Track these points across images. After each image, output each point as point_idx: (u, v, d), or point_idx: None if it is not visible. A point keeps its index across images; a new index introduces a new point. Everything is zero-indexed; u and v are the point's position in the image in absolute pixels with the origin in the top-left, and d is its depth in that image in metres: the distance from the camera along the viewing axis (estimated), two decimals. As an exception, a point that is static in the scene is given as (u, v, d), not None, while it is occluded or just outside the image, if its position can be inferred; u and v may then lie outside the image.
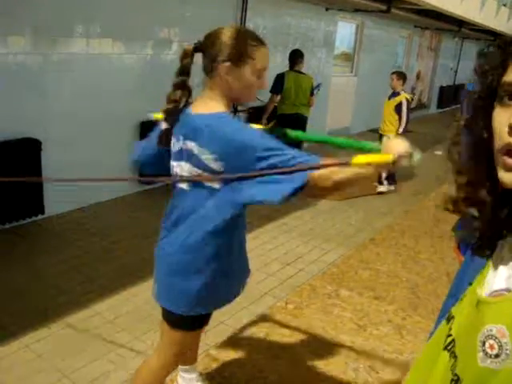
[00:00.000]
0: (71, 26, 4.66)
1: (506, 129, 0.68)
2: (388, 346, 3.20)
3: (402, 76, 6.57)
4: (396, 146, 1.51)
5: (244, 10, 6.72)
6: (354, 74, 10.71)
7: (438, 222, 5.68)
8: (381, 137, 6.63)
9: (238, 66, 1.73)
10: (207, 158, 1.70)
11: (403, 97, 6.44)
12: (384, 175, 6.65)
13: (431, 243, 5.08)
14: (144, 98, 5.44)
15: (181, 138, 1.79)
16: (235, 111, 1.86)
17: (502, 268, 0.75)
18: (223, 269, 1.91)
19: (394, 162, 1.47)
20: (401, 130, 6.46)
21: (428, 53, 14.62)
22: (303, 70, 6.12)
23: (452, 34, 14.82)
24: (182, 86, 1.81)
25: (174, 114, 1.80)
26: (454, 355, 0.76)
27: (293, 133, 2.00)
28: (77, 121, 4.83)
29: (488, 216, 0.78)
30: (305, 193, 1.60)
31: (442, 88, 16.18)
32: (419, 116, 14.40)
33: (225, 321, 3.28)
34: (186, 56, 1.79)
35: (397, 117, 6.45)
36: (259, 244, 4.59)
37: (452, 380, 0.75)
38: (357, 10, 9.08)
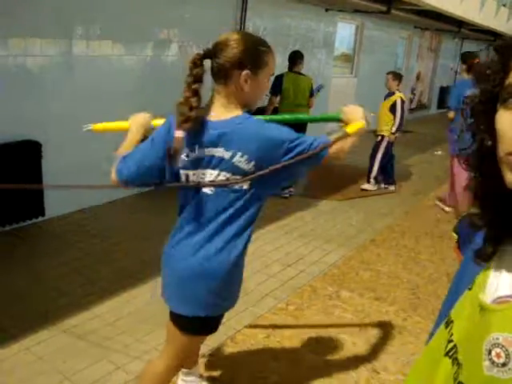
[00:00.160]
0: (71, 28, 4.66)
1: None
2: (389, 347, 3.19)
3: (397, 76, 6.59)
4: (356, 112, 1.96)
5: (244, 11, 6.72)
6: (353, 75, 10.72)
7: (438, 222, 5.69)
8: (377, 136, 6.66)
9: (256, 74, 1.77)
10: (239, 160, 1.75)
11: (398, 96, 6.46)
12: (373, 174, 6.67)
13: (431, 244, 5.08)
14: (144, 99, 5.45)
15: (197, 146, 1.77)
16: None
17: (505, 273, 0.74)
18: (243, 267, 2.00)
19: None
20: (394, 129, 6.46)
21: (428, 53, 14.62)
22: (303, 71, 6.12)
23: (452, 35, 14.82)
24: (198, 93, 1.78)
25: (193, 120, 1.75)
26: (456, 362, 0.75)
27: (262, 117, 2.10)
28: (77, 123, 4.80)
29: (490, 220, 0.78)
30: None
31: (442, 88, 16.18)
32: (419, 116, 14.41)
33: (225, 322, 3.26)
34: (197, 65, 1.77)
35: (392, 116, 6.46)
36: (260, 245, 4.59)
37: None
38: (357, 11, 9.08)
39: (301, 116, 2.23)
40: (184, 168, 1.82)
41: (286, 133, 1.80)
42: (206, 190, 1.83)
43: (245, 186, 1.80)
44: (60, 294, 3.47)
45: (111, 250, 4.22)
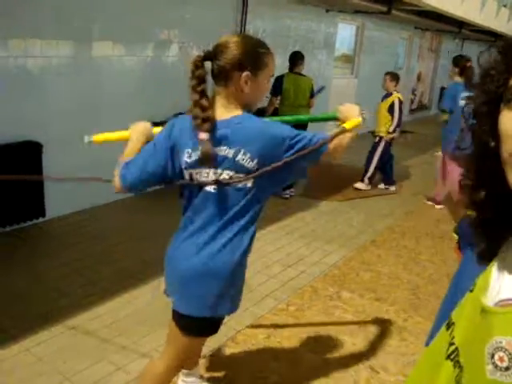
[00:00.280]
0: (71, 29, 4.66)
1: None
2: (389, 347, 3.19)
3: (395, 77, 6.59)
4: (353, 109, 2.03)
5: (244, 12, 6.72)
6: (354, 75, 10.72)
7: (439, 222, 5.68)
8: (375, 137, 6.67)
9: (256, 75, 1.80)
10: (242, 158, 1.77)
11: (395, 97, 6.48)
12: (368, 174, 6.67)
13: (432, 244, 5.07)
14: (145, 99, 5.46)
15: (200, 146, 1.77)
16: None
17: (507, 276, 0.73)
18: (245, 268, 2.02)
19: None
20: (391, 129, 6.46)
21: (429, 54, 14.61)
22: (303, 72, 6.12)
23: (452, 35, 14.81)
24: (206, 94, 1.81)
25: (209, 120, 1.76)
26: (458, 365, 0.74)
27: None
28: (77, 123, 4.82)
29: (491, 221, 0.77)
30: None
31: (442, 89, 16.15)
32: (420, 117, 14.41)
33: (226, 322, 3.26)
34: (198, 67, 1.79)
35: (390, 117, 6.47)
36: (261, 246, 4.58)
37: None
38: (357, 12, 9.08)
39: (301, 117, 2.27)
40: (187, 167, 1.83)
41: (287, 130, 1.83)
42: (210, 189, 1.84)
43: (248, 184, 1.81)
44: (60, 295, 3.47)
45: (112, 251, 4.22)
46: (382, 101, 6.65)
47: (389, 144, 6.64)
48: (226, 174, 1.80)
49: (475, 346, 0.71)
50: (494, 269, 0.77)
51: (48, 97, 4.57)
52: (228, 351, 3.02)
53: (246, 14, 6.74)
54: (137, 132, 2.08)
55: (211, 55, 1.80)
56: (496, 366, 0.66)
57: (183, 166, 1.83)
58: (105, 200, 5.25)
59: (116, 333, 3.10)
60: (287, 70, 6.05)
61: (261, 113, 6.06)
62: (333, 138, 1.86)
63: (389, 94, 6.56)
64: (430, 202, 6.35)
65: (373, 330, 3.39)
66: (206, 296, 1.90)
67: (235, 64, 1.76)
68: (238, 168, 1.78)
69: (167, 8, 5.57)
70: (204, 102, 1.78)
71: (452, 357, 0.76)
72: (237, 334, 3.19)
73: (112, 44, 5.07)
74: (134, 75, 5.39)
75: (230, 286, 1.93)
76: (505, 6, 12.85)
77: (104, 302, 3.42)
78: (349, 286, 4.01)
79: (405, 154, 8.95)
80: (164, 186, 1.97)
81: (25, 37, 4.29)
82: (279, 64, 7.13)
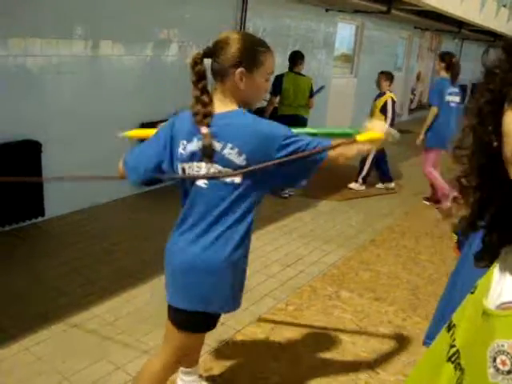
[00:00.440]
0: (71, 28, 4.66)
1: None
2: (388, 347, 3.20)
3: (389, 77, 6.57)
4: (379, 127, 1.93)
5: (244, 11, 6.72)
6: (353, 75, 10.71)
7: (438, 222, 5.69)
8: None
9: (251, 72, 1.80)
10: (229, 152, 1.77)
11: (388, 96, 6.45)
12: (362, 175, 6.66)
13: (431, 244, 5.08)
14: (144, 99, 5.46)
15: (195, 139, 1.81)
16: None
17: (509, 278, 0.73)
18: (244, 268, 2.01)
19: (384, 138, 1.90)
20: None
21: (428, 54, 14.61)
22: (303, 72, 6.12)
23: (452, 35, 14.81)
24: (206, 90, 1.84)
25: (209, 116, 1.81)
26: (459, 367, 0.74)
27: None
28: (77, 122, 4.83)
29: (492, 222, 0.77)
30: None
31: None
32: (419, 117, 14.38)
33: (225, 322, 3.27)
34: (197, 63, 1.82)
35: (383, 117, 6.44)
36: (260, 245, 4.58)
37: None
38: (357, 11, 9.08)
39: (320, 130, 2.18)
40: (181, 161, 1.85)
41: (281, 129, 1.82)
42: (201, 184, 1.86)
43: (236, 180, 1.81)
44: (60, 294, 3.47)
45: (111, 250, 4.22)
46: (375, 100, 6.65)
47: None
48: (214, 169, 1.81)
49: (477, 348, 0.70)
50: (495, 271, 0.76)
51: (47, 96, 4.56)
52: (227, 351, 3.02)
53: (245, 13, 6.73)
54: None
55: (211, 52, 1.83)
56: (498, 370, 0.65)
57: (178, 159, 1.85)
58: (104, 199, 5.25)
59: (115, 332, 3.10)
60: (287, 70, 6.05)
61: (260, 112, 6.08)
62: (335, 146, 1.81)
63: (382, 94, 6.54)
64: (428, 203, 6.36)
65: (372, 330, 3.39)
66: (197, 290, 1.91)
67: (231, 60, 1.79)
68: (225, 162, 1.79)
69: (167, 7, 5.57)
70: (205, 98, 1.81)
71: (453, 359, 0.76)
72: (236, 334, 3.19)
73: (112, 43, 5.07)
74: (133, 74, 5.39)
75: (222, 282, 1.92)
76: (504, 5, 12.85)
77: (103, 302, 3.42)
78: (348, 285, 4.01)
79: (404, 154, 8.95)
80: (158, 180, 2.00)
81: (25, 36, 4.29)
82: (279, 63, 7.15)
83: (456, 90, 5.96)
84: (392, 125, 6.48)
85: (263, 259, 4.33)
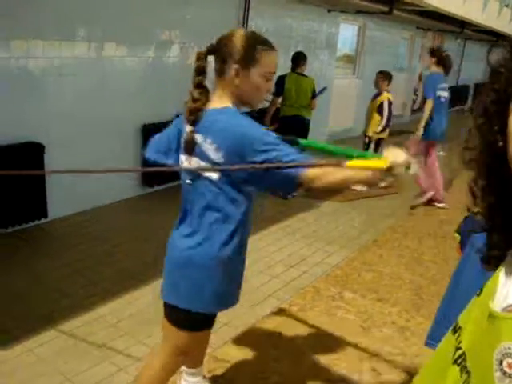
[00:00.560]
0: (73, 30, 4.66)
1: None
2: (392, 348, 3.19)
3: (387, 76, 6.54)
4: (395, 156, 1.55)
5: (246, 11, 6.72)
6: (356, 76, 10.71)
7: (441, 223, 5.67)
8: (365, 137, 6.66)
9: (246, 69, 1.79)
10: (208, 147, 1.78)
11: (385, 97, 6.43)
12: None
13: (434, 244, 5.06)
14: (146, 100, 5.46)
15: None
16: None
17: None
18: (237, 267, 1.99)
19: (389, 169, 1.52)
20: (379, 129, 6.43)
21: (430, 54, 14.58)
22: (305, 73, 6.11)
23: (454, 35, 14.79)
24: (201, 86, 1.86)
25: (195, 112, 1.83)
26: (465, 370, 0.73)
27: (304, 141, 2.05)
28: (79, 124, 4.83)
29: (498, 223, 0.76)
30: (301, 190, 1.73)
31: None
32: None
33: (228, 323, 3.27)
34: (199, 58, 1.85)
35: (379, 117, 6.43)
36: (263, 246, 4.58)
37: None
38: (359, 12, 9.07)
39: (344, 151, 1.93)
40: (181, 153, 1.91)
41: (259, 133, 1.75)
42: (188, 180, 1.89)
43: (214, 177, 1.80)
44: (62, 296, 3.47)
45: (113, 252, 4.22)
46: (372, 100, 6.64)
47: (378, 144, 6.58)
48: (195, 162, 1.84)
49: (483, 351, 0.69)
50: (501, 274, 0.75)
51: (50, 98, 4.57)
52: (230, 351, 3.01)
53: (247, 14, 6.73)
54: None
55: (214, 49, 1.85)
56: (504, 373, 0.64)
57: (180, 150, 1.92)
58: (106, 201, 5.25)
59: (117, 334, 3.10)
60: (289, 70, 6.05)
61: (262, 113, 6.08)
62: (315, 165, 1.66)
63: (379, 94, 6.52)
64: (432, 204, 6.36)
65: (375, 331, 3.38)
66: (182, 285, 1.92)
67: (227, 57, 1.80)
68: (203, 157, 1.80)
69: (168, 8, 5.57)
70: (195, 93, 1.83)
71: (459, 361, 0.75)
72: (239, 335, 3.18)
73: (114, 45, 5.08)
74: (135, 76, 5.39)
75: (207, 280, 1.90)
76: (507, 5, 12.83)
77: (105, 303, 3.42)
78: (351, 286, 4.00)
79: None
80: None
81: (27, 38, 4.29)
82: (281, 64, 7.13)
83: (446, 85, 5.99)
84: (387, 126, 6.46)
85: (267, 260, 4.33)
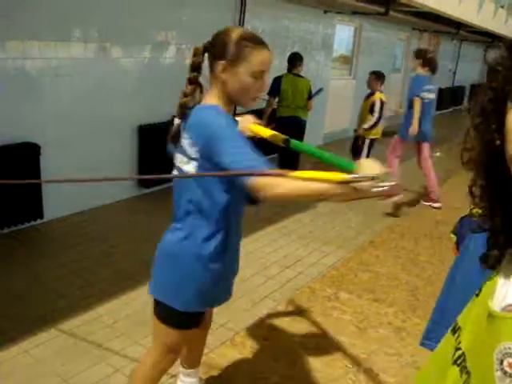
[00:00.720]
0: (69, 31, 4.66)
1: None
2: (388, 349, 3.19)
3: (380, 77, 6.54)
4: (367, 168, 1.46)
5: (242, 12, 6.73)
6: (352, 76, 10.72)
7: (438, 223, 5.69)
8: (359, 138, 6.68)
9: (233, 66, 1.77)
10: (186, 142, 1.79)
11: (377, 97, 6.43)
12: None
13: (431, 245, 5.08)
14: (142, 101, 5.46)
15: None
16: (234, 114, 1.85)
17: None
18: (223, 267, 1.95)
19: (348, 182, 1.44)
20: (366, 126, 6.42)
21: (426, 55, 14.61)
22: (302, 74, 6.12)
23: (450, 36, 14.84)
24: (194, 82, 1.86)
25: (184, 107, 1.84)
26: (465, 371, 0.73)
27: (294, 142, 2.02)
28: (75, 125, 4.83)
29: (499, 224, 0.76)
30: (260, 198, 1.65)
31: (440, 90, 16.18)
32: (418, 118, 14.39)
33: (225, 324, 3.27)
34: (196, 54, 1.86)
35: (372, 117, 6.44)
36: (259, 247, 4.59)
37: None
38: (355, 13, 9.09)
39: (321, 154, 1.83)
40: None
41: (228, 134, 1.69)
42: (174, 172, 1.93)
43: (191, 170, 1.80)
44: (59, 296, 3.46)
45: (110, 252, 4.22)
46: (364, 100, 6.66)
47: (372, 143, 6.57)
48: (179, 157, 1.86)
49: (483, 351, 0.70)
50: (500, 274, 0.76)
51: (46, 98, 4.56)
52: (226, 352, 3.01)
53: (243, 15, 6.74)
54: None
55: (209, 45, 1.85)
56: (505, 373, 0.65)
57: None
58: (103, 202, 5.25)
59: (114, 334, 3.10)
60: (285, 71, 6.06)
61: (258, 113, 6.08)
62: (266, 174, 1.58)
63: (372, 94, 6.54)
64: (427, 203, 6.38)
65: (371, 331, 3.39)
66: (166, 281, 1.95)
67: (217, 53, 1.79)
68: (182, 151, 1.82)
69: (165, 9, 5.57)
70: (187, 89, 1.85)
71: (458, 362, 0.76)
72: (235, 336, 3.19)
73: (110, 45, 5.07)
74: (131, 77, 5.39)
75: (189, 277, 1.89)
76: (502, 7, 12.88)
77: (102, 304, 3.42)
78: (347, 286, 4.01)
79: (403, 155, 8.94)
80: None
81: (22, 38, 4.29)
82: (277, 65, 7.16)
83: (432, 87, 6.01)
84: (375, 125, 6.45)
85: (262, 261, 4.33)
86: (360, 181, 1.41)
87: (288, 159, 5.54)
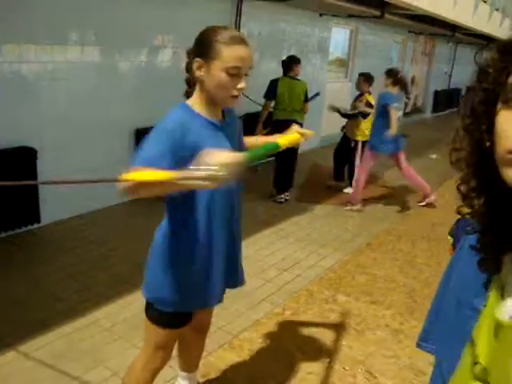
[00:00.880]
0: (66, 34, 4.66)
1: None
2: (386, 351, 3.20)
3: (368, 79, 6.63)
4: (214, 157, 1.45)
5: (238, 15, 6.73)
6: (348, 79, 10.74)
7: (434, 225, 5.69)
8: (350, 141, 6.69)
9: (207, 63, 1.77)
10: None
11: (365, 98, 6.56)
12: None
13: (428, 247, 5.08)
14: (139, 104, 5.46)
15: None
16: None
17: None
18: (203, 268, 1.93)
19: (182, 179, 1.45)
20: (349, 112, 6.62)
21: (422, 58, 14.68)
22: (298, 77, 6.12)
23: (446, 39, 14.90)
24: (187, 82, 1.92)
25: None
26: None
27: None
28: (72, 129, 4.82)
29: (489, 225, 0.76)
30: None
31: (436, 92, 16.25)
32: (414, 120, 14.45)
33: (223, 327, 3.27)
34: (188, 57, 1.87)
35: (361, 118, 6.50)
36: (256, 250, 4.59)
37: None
38: (351, 16, 9.11)
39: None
40: None
41: (152, 132, 1.79)
42: None
43: None
44: (56, 300, 3.46)
45: (108, 256, 4.21)
46: (353, 101, 6.79)
47: (363, 145, 6.58)
48: None
49: (500, 362, 0.69)
50: (506, 282, 0.75)
51: (43, 102, 4.56)
52: (224, 356, 3.01)
53: (240, 18, 6.75)
54: None
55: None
56: None
57: None
58: (102, 205, 5.24)
59: (112, 338, 3.09)
60: (282, 74, 6.06)
61: (255, 117, 6.09)
62: (99, 181, 1.61)
63: (360, 95, 6.62)
64: (423, 203, 6.41)
65: (369, 334, 3.39)
66: (148, 279, 1.99)
67: (193, 50, 1.82)
68: None
69: (161, 13, 5.58)
70: (186, 88, 1.95)
71: (479, 377, 0.75)
72: (233, 339, 3.18)
73: (106, 49, 5.07)
74: (128, 80, 5.39)
75: (165, 276, 1.91)
76: (497, 9, 12.93)
77: (100, 307, 3.41)
78: (344, 289, 4.01)
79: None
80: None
81: (19, 42, 4.29)
82: (273, 68, 7.17)
83: (399, 105, 6.16)
84: (355, 117, 6.54)
85: (260, 263, 4.33)
86: (198, 172, 1.42)
87: (287, 156, 5.60)
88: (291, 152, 5.53)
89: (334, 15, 9.06)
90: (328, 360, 3.05)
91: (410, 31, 12.71)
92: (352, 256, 4.71)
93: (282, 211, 5.77)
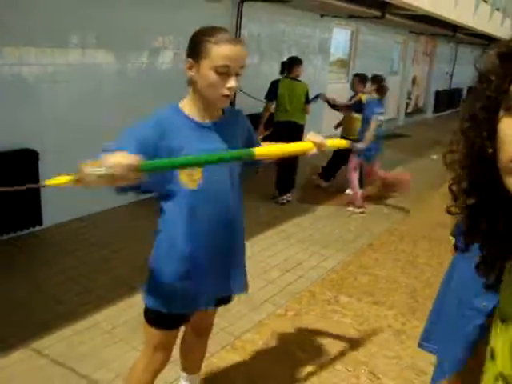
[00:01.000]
0: (66, 37, 4.66)
1: None
2: (388, 351, 3.19)
3: (363, 79, 6.65)
4: (107, 159, 1.64)
5: (239, 17, 6.74)
6: (349, 80, 10.74)
7: (436, 226, 5.68)
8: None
9: (197, 62, 1.77)
10: None
11: (358, 97, 6.59)
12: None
13: (429, 247, 5.08)
14: (140, 106, 5.45)
15: None
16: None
17: None
18: (194, 268, 1.91)
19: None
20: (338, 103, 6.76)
21: (423, 58, 14.68)
22: (300, 78, 6.12)
23: (447, 39, 14.89)
24: (188, 84, 1.88)
25: None
26: None
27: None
28: (73, 131, 4.82)
29: (488, 231, 0.75)
30: None
31: (437, 92, 16.24)
32: (415, 120, 14.46)
33: (225, 328, 3.27)
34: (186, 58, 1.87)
35: (358, 117, 6.50)
36: (258, 251, 4.58)
37: None
38: (352, 17, 9.12)
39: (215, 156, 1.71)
40: None
41: (132, 126, 1.93)
42: None
43: None
44: (57, 303, 3.45)
45: (109, 258, 4.21)
46: (349, 101, 6.78)
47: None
48: None
49: None
50: (508, 288, 0.74)
51: (44, 105, 4.56)
52: (226, 357, 3.00)
53: (240, 19, 6.75)
54: None
55: None
56: None
57: None
58: (104, 207, 5.24)
59: (113, 340, 3.09)
60: (283, 75, 6.06)
61: (256, 119, 6.08)
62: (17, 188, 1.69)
63: (355, 95, 6.64)
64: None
65: (371, 334, 3.38)
66: (153, 286, 1.99)
67: (186, 51, 1.82)
68: None
69: (161, 15, 5.58)
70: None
71: None
72: (236, 340, 3.18)
73: (107, 51, 5.08)
74: (128, 82, 5.39)
75: (156, 276, 1.94)
76: (498, 9, 12.92)
77: (100, 310, 3.41)
78: (347, 290, 4.00)
79: (400, 158, 8.98)
80: None
81: (19, 45, 4.29)
82: (274, 69, 7.16)
83: (382, 110, 6.15)
84: (342, 109, 6.73)
85: (262, 264, 4.33)
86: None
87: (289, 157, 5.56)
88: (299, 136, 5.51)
89: (334, 16, 9.06)
90: (330, 361, 3.05)
91: (410, 31, 12.71)
92: (354, 257, 4.70)
93: (283, 212, 5.77)
